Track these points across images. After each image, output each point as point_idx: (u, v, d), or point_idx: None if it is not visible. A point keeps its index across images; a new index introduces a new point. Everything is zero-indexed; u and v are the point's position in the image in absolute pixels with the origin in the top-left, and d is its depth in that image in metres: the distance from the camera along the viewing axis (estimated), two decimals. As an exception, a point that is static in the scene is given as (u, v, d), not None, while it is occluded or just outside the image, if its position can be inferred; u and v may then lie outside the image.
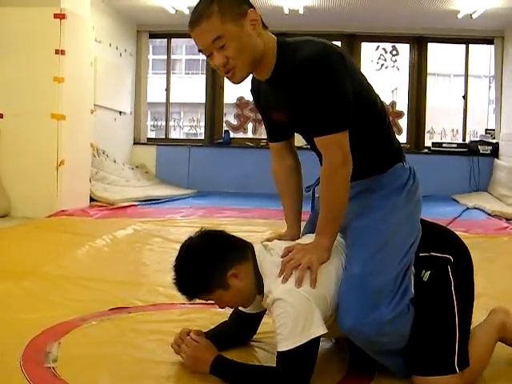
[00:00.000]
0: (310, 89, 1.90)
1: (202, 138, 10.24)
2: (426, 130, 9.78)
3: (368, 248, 1.96)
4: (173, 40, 10.41)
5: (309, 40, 1.99)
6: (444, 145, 9.31)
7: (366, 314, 1.85)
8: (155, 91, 10.38)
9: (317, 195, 2.21)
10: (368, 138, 2.07)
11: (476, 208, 7.30)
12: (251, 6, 1.96)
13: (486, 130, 9.57)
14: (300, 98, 1.94)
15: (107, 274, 3.58)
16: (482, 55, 13.40)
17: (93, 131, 6.92)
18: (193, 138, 11.99)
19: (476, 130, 10.18)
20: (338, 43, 9.57)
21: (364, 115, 2.03)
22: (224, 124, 9.97)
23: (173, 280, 2.00)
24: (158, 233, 5.05)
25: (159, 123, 11.31)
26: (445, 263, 1.99)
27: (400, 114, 9.62)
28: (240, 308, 2.23)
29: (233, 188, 9.13)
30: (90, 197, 6.91)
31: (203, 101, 10.11)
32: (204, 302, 2.10)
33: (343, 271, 1.96)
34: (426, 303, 1.95)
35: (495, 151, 8.96)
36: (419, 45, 9.49)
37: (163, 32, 9.90)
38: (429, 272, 1.98)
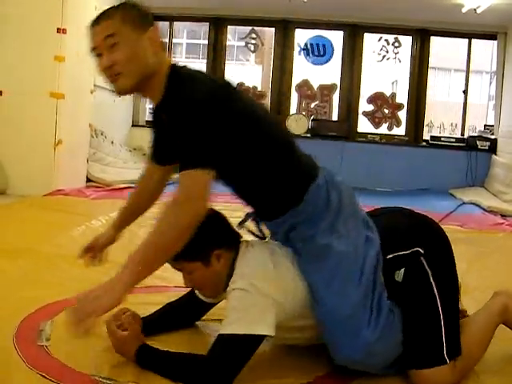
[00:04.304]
0: (186, 127, 1.79)
1: (201, 122, 10.19)
2: (424, 124, 9.77)
3: (321, 282, 1.91)
4: (174, 23, 10.36)
5: (199, 76, 1.92)
6: (442, 139, 9.30)
7: (352, 343, 1.85)
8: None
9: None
10: (273, 174, 1.97)
11: (472, 203, 7.31)
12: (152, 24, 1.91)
13: (485, 125, 9.56)
14: (177, 133, 1.83)
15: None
16: (484, 50, 13.38)
17: (92, 112, 6.91)
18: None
19: (475, 125, 10.18)
20: (341, 33, 9.57)
21: (264, 151, 1.94)
22: (223, 110, 9.93)
23: None
24: (153, 215, 5.02)
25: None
26: (416, 257, 1.96)
27: (399, 106, 9.63)
28: (198, 294, 2.24)
29: (230, 174, 9.07)
30: (87, 177, 6.91)
31: (202, 86, 10.07)
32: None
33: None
34: (406, 301, 1.94)
35: (493, 147, 8.95)
36: (422, 37, 9.46)
37: (166, 15, 9.85)
38: (402, 270, 1.96)
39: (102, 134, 8.00)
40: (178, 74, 1.91)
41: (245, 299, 1.85)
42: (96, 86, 7.08)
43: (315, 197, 1.95)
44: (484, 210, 6.80)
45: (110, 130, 8.33)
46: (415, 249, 1.96)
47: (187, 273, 2.02)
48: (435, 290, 1.92)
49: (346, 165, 9.03)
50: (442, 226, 2.17)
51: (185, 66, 1.98)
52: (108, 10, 1.87)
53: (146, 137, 9.66)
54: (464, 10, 8.07)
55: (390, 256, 1.97)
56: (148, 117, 10.30)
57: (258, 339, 1.83)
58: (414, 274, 1.95)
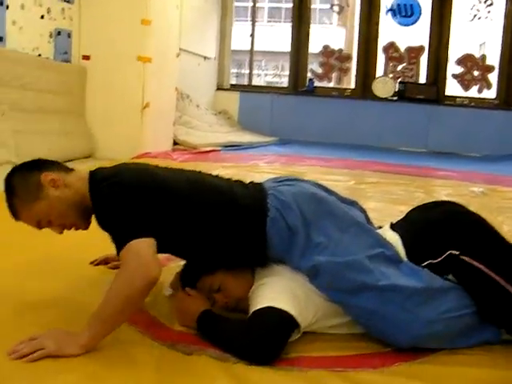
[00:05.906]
0: (112, 210, 1.81)
1: (285, 86, 10.16)
2: (517, 86, 9.43)
3: (335, 295, 1.85)
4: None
5: (118, 170, 1.96)
6: (536, 101, 8.98)
7: (406, 319, 1.77)
8: (236, 39, 10.30)
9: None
10: (225, 234, 1.95)
11: None
12: (41, 169, 1.93)
13: None
14: (105, 220, 1.86)
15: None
16: None
17: (177, 75, 6.95)
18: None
19: None
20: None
21: (204, 218, 1.93)
22: (308, 72, 9.85)
23: None
24: (241, 178, 5.02)
25: (241, 71, 11.28)
26: (455, 259, 1.83)
27: (490, 68, 9.31)
28: None
29: (315, 137, 9.03)
30: (173, 140, 6.98)
31: (285, 49, 10.00)
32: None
33: None
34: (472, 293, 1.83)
35: None
36: (516, -5, 9.10)
37: (250, -23, 9.81)
38: (450, 275, 1.86)
39: (187, 98, 8.06)
40: (95, 182, 1.93)
41: (270, 288, 1.85)
42: (181, 49, 7.11)
43: (277, 232, 1.92)
44: None
45: (195, 93, 8.38)
46: (447, 253, 1.85)
47: (216, 291, 1.98)
48: (494, 276, 1.78)
49: (434, 129, 8.86)
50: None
51: (101, 169, 2.01)
52: (8, 203, 1.92)
53: (230, 101, 9.75)
54: None
55: (424, 264, 1.88)
56: (232, 80, 10.33)
57: (289, 317, 1.76)
58: (463, 273, 1.84)
